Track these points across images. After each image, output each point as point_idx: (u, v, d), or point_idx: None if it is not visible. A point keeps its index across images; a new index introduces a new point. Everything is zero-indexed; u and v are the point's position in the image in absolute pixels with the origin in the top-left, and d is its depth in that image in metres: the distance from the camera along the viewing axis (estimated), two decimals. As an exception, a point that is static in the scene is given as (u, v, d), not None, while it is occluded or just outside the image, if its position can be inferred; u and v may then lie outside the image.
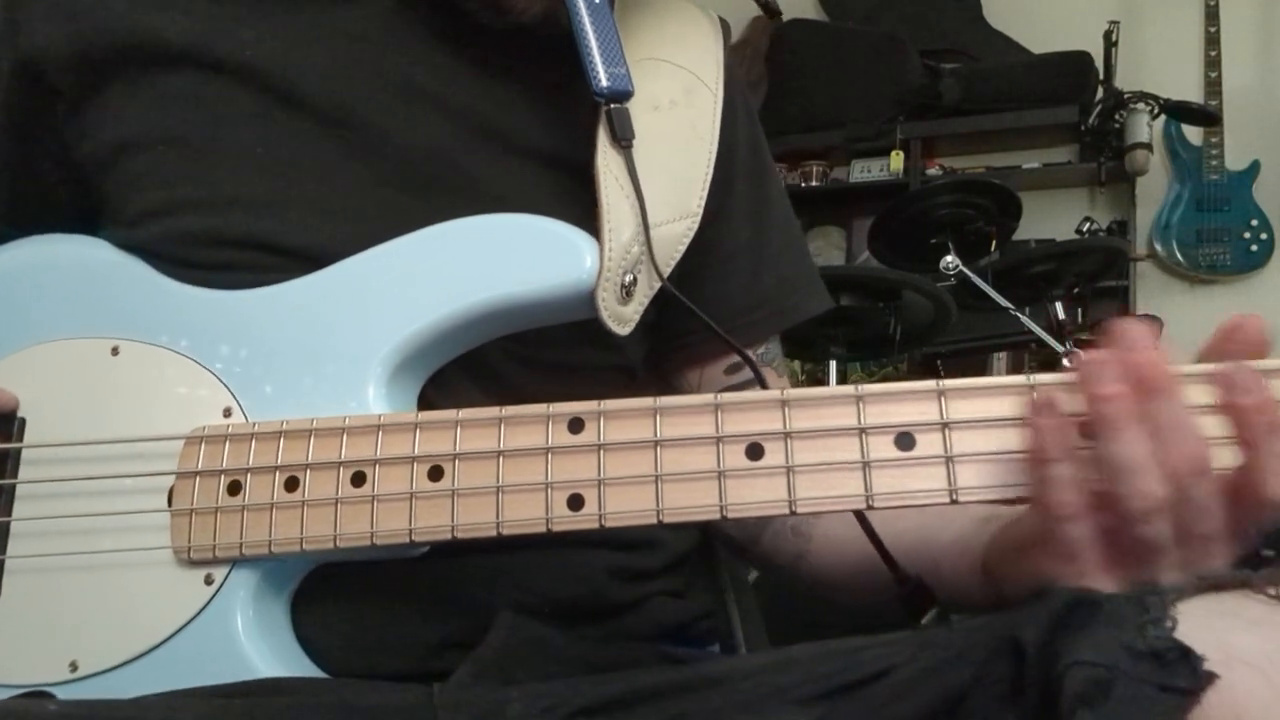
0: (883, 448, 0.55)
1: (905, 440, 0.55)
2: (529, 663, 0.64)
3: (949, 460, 0.55)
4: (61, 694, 0.62)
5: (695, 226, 0.71)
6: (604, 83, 0.67)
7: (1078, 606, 0.45)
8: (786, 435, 0.56)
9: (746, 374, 0.81)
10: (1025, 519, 0.59)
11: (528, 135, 0.72)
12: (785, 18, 3.61)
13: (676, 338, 0.81)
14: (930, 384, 0.56)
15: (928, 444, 0.55)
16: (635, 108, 0.69)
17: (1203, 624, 0.43)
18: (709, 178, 0.73)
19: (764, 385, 0.71)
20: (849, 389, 0.57)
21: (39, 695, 0.62)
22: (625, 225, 0.66)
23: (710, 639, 0.83)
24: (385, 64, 0.71)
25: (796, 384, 1.91)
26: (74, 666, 0.62)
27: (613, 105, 0.68)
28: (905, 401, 0.56)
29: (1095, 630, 0.44)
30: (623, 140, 0.68)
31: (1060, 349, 2.20)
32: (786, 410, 0.57)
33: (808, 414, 0.57)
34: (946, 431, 0.55)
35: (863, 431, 0.56)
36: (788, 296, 0.84)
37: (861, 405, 0.56)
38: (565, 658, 0.66)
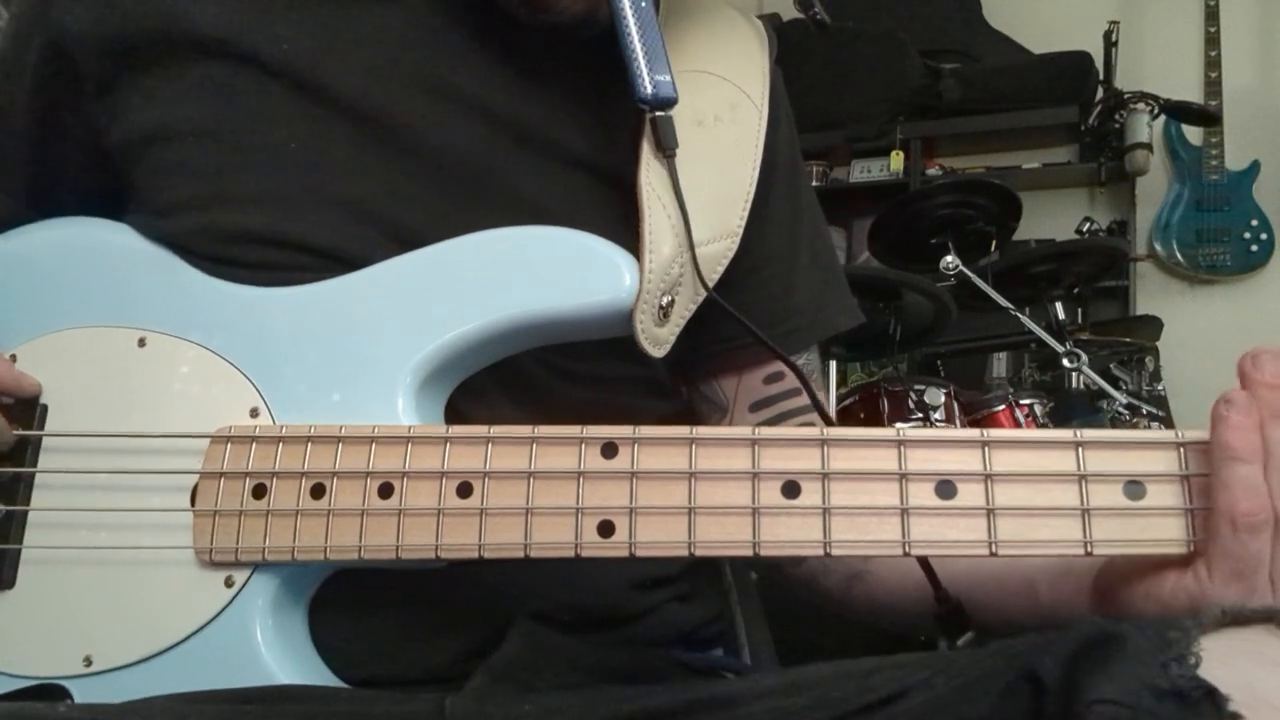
0: (923, 495, 0.55)
1: (946, 489, 0.55)
2: (542, 671, 0.64)
3: (990, 512, 0.54)
4: (75, 688, 0.62)
5: (735, 246, 0.70)
6: (648, 89, 0.65)
7: (1099, 641, 0.45)
8: (824, 475, 0.56)
9: (784, 385, 0.80)
10: None
11: (566, 141, 0.71)
12: (785, 18, 3.61)
13: (708, 345, 0.79)
14: (975, 433, 0.55)
15: (969, 494, 0.55)
16: (679, 122, 0.68)
17: (1226, 662, 0.42)
18: (751, 196, 0.71)
19: (813, 396, 0.70)
20: (890, 433, 0.56)
21: (50, 693, 0.62)
22: (665, 244, 0.65)
23: (716, 642, 0.83)
24: (423, 65, 0.69)
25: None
26: (88, 661, 0.62)
27: (657, 113, 0.67)
28: (948, 449, 0.55)
29: (1117, 666, 0.43)
30: (667, 150, 0.66)
31: (1060, 349, 2.21)
32: (826, 450, 0.56)
33: (847, 455, 0.56)
34: (989, 483, 0.55)
35: (903, 477, 0.55)
36: (821, 309, 0.82)
37: (903, 450, 0.55)
38: (579, 665, 0.66)
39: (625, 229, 0.65)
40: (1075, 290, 2.64)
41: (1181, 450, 0.54)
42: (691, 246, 0.66)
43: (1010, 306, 2.24)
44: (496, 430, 0.59)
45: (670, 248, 0.65)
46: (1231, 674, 0.41)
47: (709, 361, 0.81)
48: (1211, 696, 0.40)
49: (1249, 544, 0.50)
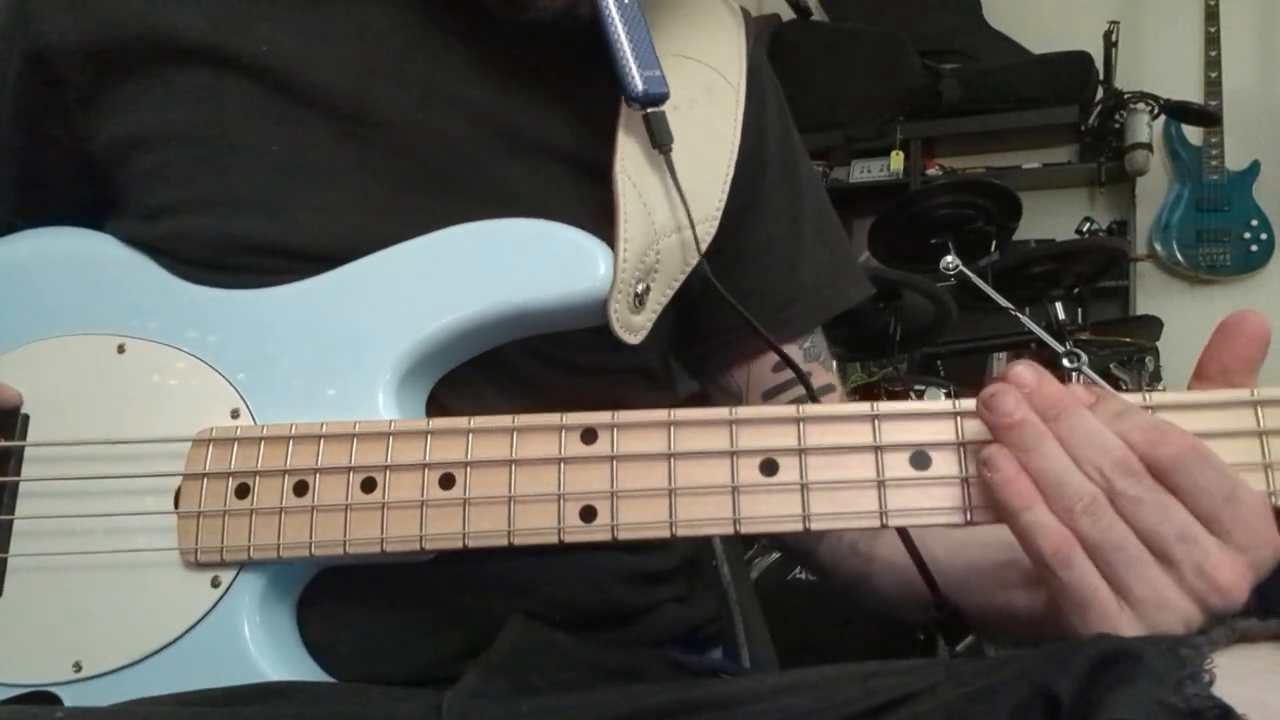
0: (898, 466, 0.56)
1: (921, 459, 0.56)
2: (538, 667, 0.63)
3: (965, 481, 0.55)
4: (65, 695, 0.61)
5: (713, 230, 0.70)
6: (639, 86, 0.65)
7: (1113, 659, 0.44)
8: (801, 451, 0.57)
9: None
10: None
11: (547, 135, 0.71)
12: (784, 18, 3.61)
13: (714, 335, 0.79)
14: (946, 404, 0.56)
15: (943, 463, 0.56)
16: None
17: (1239, 680, 0.42)
18: (729, 179, 0.71)
19: (805, 382, 0.70)
20: (865, 407, 0.57)
21: (43, 698, 0.62)
22: (640, 233, 0.65)
23: (715, 642, 0.83)
24: (403, 63, 0.69)
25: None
26: (78, 667, 0.61)
27: (649, 110, 0.66)
28: (921, 421, 0.56)
29: (1132, 686, 0.42)
30: (662, 146, 0.66)
31: (1060, 349, 2.20)
32: (802, 427, 0.57)
33: (823, 431, 0.57)
34: (962, 451, 0.55)
35: (878, 449, 0.56)
36: (826, 286, 0.82)
37: (877, 424, 0.56)
38: (575, 662, 0.66)
39: (605, 218, 0.65)
40: (1075, 290, 2.63)
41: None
42: (692, 224, 0.66)
43: (1010, 306, 2.24)
44: (477, 421, 0.60)
45: (645, 235, 0.65)
46: (1245, 691, 0.41)
47: (717, 353, 0.81)
48: (1228, 717, 0.40)
49: (1069, 577, 0.51)
